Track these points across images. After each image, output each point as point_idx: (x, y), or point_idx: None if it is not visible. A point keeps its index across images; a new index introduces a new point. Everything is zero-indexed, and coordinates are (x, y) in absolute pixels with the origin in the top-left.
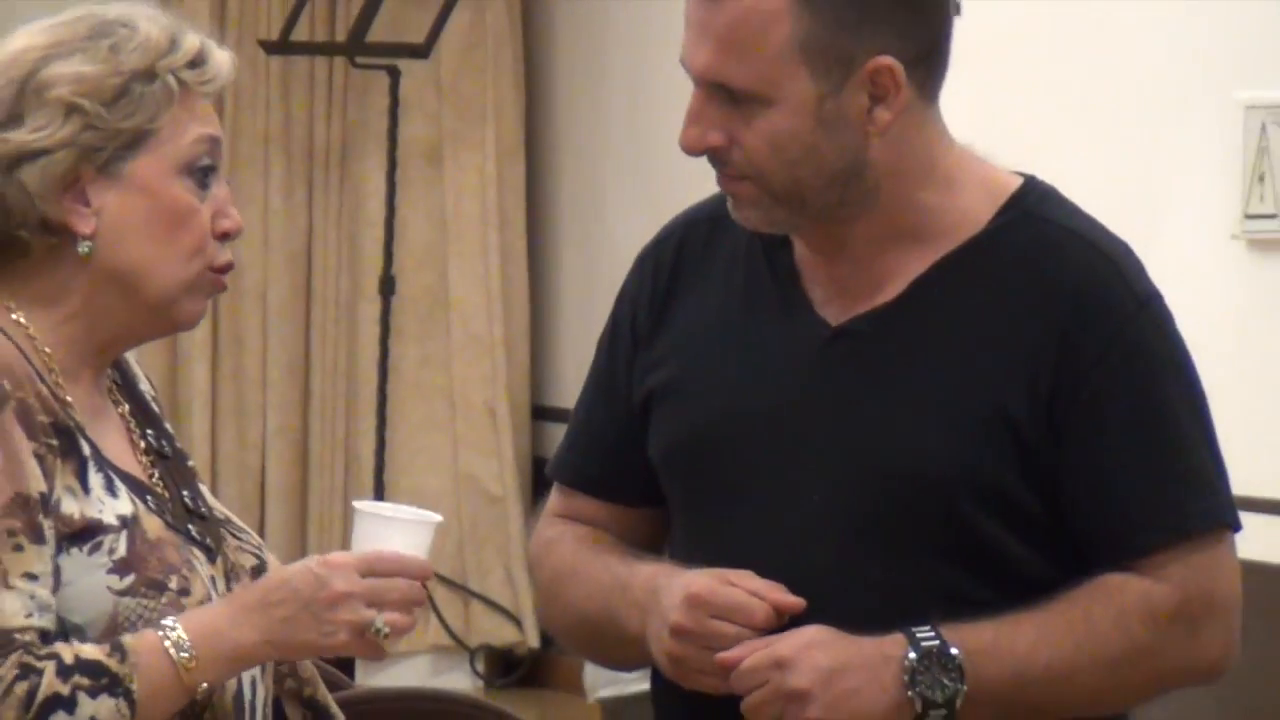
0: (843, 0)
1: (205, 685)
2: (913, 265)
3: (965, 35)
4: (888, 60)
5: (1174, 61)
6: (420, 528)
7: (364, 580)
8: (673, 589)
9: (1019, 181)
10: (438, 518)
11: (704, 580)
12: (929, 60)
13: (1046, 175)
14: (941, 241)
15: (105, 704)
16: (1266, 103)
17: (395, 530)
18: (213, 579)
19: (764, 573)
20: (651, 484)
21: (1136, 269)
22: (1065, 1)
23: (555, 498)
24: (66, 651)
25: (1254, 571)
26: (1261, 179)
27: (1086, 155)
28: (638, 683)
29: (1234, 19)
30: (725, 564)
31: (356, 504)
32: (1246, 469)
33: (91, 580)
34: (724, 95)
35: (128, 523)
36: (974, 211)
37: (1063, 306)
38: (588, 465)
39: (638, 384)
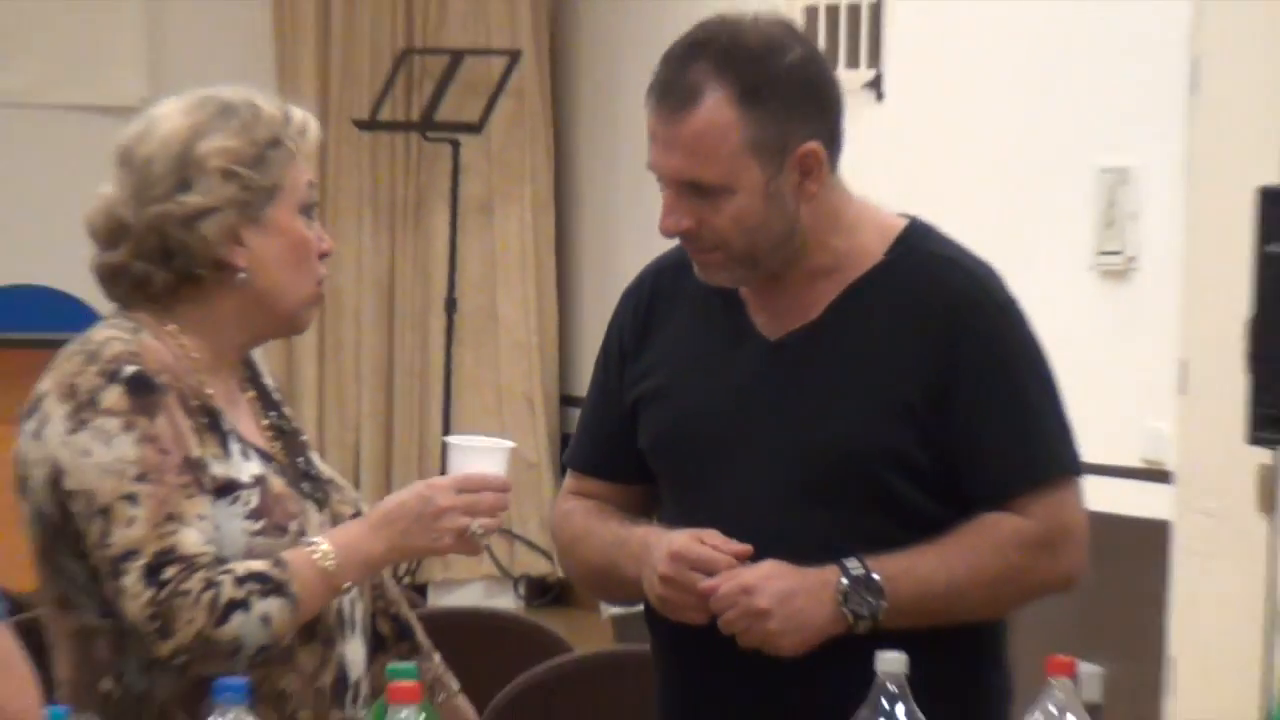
0: (776, 105)
1: (348, 584)
2: (829, 293)
3: (889, 117)
4: (813, 145)
5: (1046, 134)
6: (498, 453)
7: (460, 496)
8: (660, 546)
9: (905, 222)
10: (511, 444)
11: (682, 539)
12: (834, 139)
13: (949, 219)
14: (849, 272)
15: (274, 603)
16: (1116, 166)
17: (479, 456)
18: (321, 525)
19: (730, 530)
20: (642, 467)
21: (998, 282)
22: (967, 91)
23: (569, 479)
24: (238, 566)
25: (1096, 520)
26: (1110, 225)
27: (978, 205)
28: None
29: (1093, 103)
30: (700, 525)
31: (446, 439)
32: (1094, 441)
33: (231, 526)
34: (693, 190)
35: (259, 481)
36: (871, 248)
37: (943, 317)
38: (593, 454)
39: (628, 391)
